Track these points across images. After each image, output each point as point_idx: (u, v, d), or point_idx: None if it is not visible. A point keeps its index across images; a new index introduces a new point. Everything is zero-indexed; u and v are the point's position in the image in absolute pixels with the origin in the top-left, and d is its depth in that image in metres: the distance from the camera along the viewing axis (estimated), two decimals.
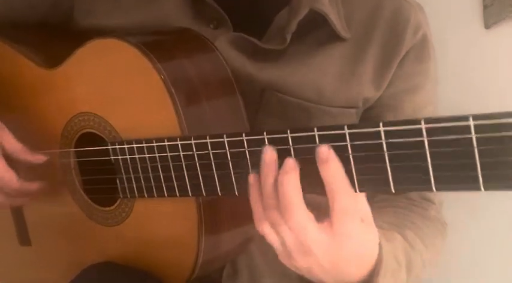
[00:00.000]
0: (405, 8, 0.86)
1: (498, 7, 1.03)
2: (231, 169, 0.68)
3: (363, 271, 0.66)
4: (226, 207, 0.77)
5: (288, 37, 0.82)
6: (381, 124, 0.55)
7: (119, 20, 0.87)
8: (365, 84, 0.85)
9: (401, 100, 0.87)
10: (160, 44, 0.78)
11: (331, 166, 0.58)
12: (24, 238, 0.97)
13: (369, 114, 0.88)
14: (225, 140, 0.67)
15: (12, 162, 0.85)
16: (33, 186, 0.87)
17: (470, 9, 1.07)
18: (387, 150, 0.55)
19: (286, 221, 0.61)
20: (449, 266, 1.02)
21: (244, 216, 0.80)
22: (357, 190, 0.59)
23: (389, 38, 0.85)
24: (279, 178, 0.61)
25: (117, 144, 0.78)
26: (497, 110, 0.48)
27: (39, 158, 0.86)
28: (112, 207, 0.83)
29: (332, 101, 0.85)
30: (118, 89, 0.79)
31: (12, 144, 0.85)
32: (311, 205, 0.63)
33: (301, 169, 0.61)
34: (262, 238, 0.85)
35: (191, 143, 0.70)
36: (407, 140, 0.53)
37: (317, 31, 0.84)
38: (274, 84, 0.84)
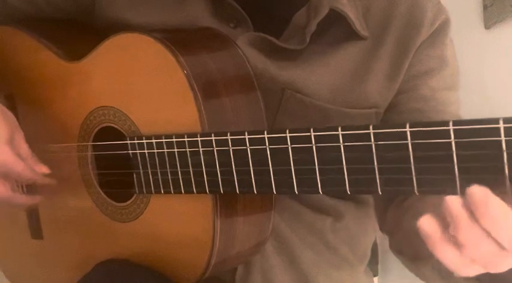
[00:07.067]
0: (422, 3, 0.85)
1: (498, 7, 1.02)
2: (251, 166, 0.67)
3: None
4: (242, 205, 0.77)
5: (308, 37, 0.81)
6: (407, 125, 0.55)
7: (139, 15, 0.86)
8: (381, 80, 0.84)
9: (415, 84, 0.86)
10: (183, 41, 0.78)
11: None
12: (36, 231, 0.97)
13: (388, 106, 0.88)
14: (246, 137, 0.67)
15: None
16: (46, 179, 0.85)
17: (470, 9, 1.06)
18: (412, 151, 0.54)
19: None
20: None
21: (259, 215, 0.80)
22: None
23: (405, 33, 0.84)
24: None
25: (136, 138, 0.78)
26: (497, 110, 0.48)
27: (41, 170, 0.84)
28: (127, 203, 0.83)
29: (347, 100, 0.84)
30: (140, 84, 0.78)
31: (22, 148, 0.82)
32: None
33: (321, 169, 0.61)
34: (276, 238, 0.85)
35: (211, 139, 0.70)
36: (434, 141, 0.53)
37: (335, 29, 0.84)
38: (293, 84, 0.83)
